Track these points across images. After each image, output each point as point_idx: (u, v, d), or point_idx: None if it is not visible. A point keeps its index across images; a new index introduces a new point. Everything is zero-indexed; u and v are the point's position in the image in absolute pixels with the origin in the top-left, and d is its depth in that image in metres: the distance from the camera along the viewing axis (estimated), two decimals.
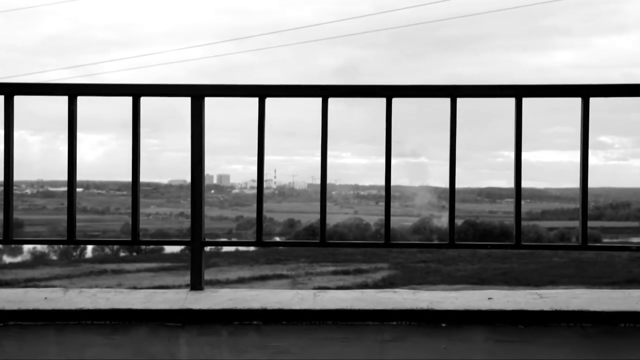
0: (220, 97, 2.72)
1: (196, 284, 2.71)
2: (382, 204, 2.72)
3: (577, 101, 2.65)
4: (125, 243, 2.85)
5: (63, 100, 2.70)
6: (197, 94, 2.67)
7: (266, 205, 2.78)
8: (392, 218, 2.71)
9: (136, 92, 2.69)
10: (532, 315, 2.43)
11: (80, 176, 2.72)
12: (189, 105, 2.69)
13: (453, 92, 2.65)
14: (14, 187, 2.72)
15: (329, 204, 2.72)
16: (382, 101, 2.66)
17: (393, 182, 2.69)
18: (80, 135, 2.72)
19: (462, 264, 32.18)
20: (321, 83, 2.67)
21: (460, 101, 2.65)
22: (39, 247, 34.48)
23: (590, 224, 2.69)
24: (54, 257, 35.04)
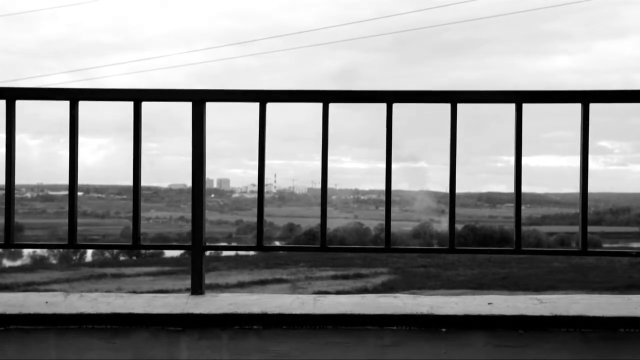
0: (221, 102, 2.72)
1: (197, 288, 2.71)
2: (382, 208, 2.72)
3: (577, 106, 2.65)
4: (126, 248, 2.85)
5: (63, 104, 2.71)
6: (198, 98, 2.68)
7: (266, 209, 2.79)
8: (392, 223, 2.71)
9: (137, 97, 2.70)
10: (531, 321, 2.43)
11: (80, 180, 2.73)
12: (188, 109, 2.69)
13: (453, 98, 2.65)
14: (15, 191, 2.73)
15: (329, 209, 2.73)
16: (383, 106, 2.67)
17: (393, 187, 2.69)
18: (80, 139, 2.73)
19: (462, 268, 32.15)
20: (322, 88, 2.68)
21: (460, 106, 2.66)
22: (38, 250, 34.44)
23: (590, 229, 2.69)
24: (54, 261, 35.01)
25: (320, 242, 2.72)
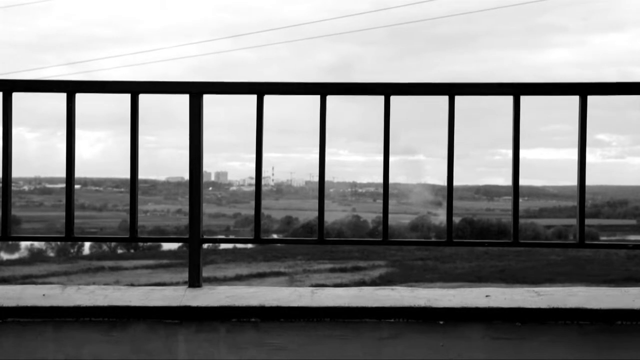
0: (219, 94, 2.72)
1: (194, 281, 2.71)
2: (380, 201, 2.72)
3: (574, 99, 2.65)
4: (123, 240, 2.84)
5: (61, 97, 2.70)
6: (196, 91, 2.67)
7: (264, 202, 2.78)
8: (389, 215, 2.70)
9: (135, 89, 2.69)
10: (529, 313, 2.44)
11: (77, 173, 2.72)
12: (184, 102, 2.68)
13: (451, 90, 2.65)
14: (12, 184, 2.72)
15: (326, 201, 2.72)
16: (380, 98, 2.66)
17: (390, 180, 2.68)
18: (77, 132, 2.72)
19: (459, 261, 32.21)
20: (319, 80, 2.67)
21: (458, 99, 2.65)
22: (36, 243, 34.43)
23: (587, 221, 2.69)
24: (52, 254, 35.01)
25: (317, 234, 2.72)
